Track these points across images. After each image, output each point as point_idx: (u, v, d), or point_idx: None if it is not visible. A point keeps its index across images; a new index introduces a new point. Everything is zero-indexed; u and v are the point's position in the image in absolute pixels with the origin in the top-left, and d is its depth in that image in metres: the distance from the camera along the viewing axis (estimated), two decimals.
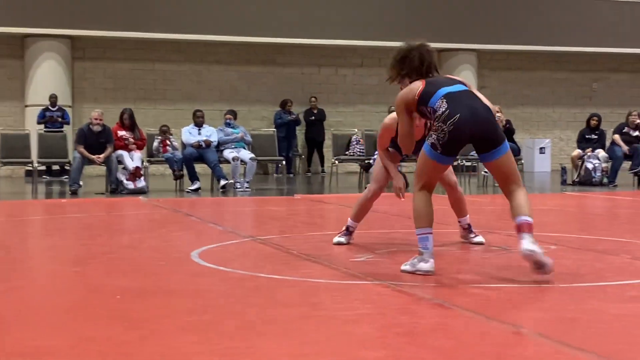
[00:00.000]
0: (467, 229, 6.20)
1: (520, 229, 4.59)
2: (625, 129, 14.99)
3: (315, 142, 19.41)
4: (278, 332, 3.41)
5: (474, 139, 4.72)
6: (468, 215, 6.20)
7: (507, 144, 4.78)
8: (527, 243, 4.49)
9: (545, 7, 20.63)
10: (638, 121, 14.98)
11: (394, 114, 5.70)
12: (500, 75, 21.43)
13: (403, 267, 4.85)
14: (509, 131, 14.19)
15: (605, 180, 14.44)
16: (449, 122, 4.65)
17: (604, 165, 14.58)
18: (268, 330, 3.45)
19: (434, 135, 4.73)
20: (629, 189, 14.04)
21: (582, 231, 7.37)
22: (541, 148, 20.58)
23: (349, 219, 6.22)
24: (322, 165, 19.48)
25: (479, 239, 6.12)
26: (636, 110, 15.61)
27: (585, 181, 14.46)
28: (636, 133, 14.92)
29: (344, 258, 5.47)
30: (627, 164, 14.88)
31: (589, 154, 14.66)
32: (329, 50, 20.09)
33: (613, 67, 22.21)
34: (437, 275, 4.80)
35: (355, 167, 17.02)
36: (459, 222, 6.22)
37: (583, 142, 15.06)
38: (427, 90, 4.82)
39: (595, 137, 15.03)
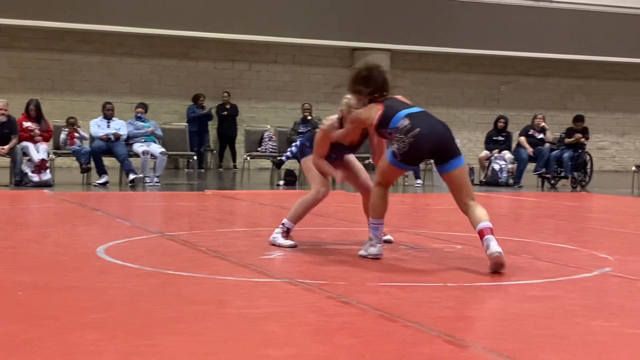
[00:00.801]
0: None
1: (484, 232, 4.99)
2: (531, 132, 15.40)
3: (227, 137, 19.32)
4: (184, 330, 3.40)
5: (433, 151, 5.16)
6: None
7: (462, 158, 5.24)
8: (495, 245, 4.91)
9: (459, 10, 21.01)
10: (543, 124, 15.42)
11: (332, 117, 5.85)
12: (413, 76, 21.73)
13: (359, 253, 5.43)
14: None
15: (511, 181, 14.82)
16: (409, 135, 5.09)
17: (509, 166, 14.97)
18: (174, 328, 3.43)
19: (395, 145, 5.20)
20: (533, 190, 14.43)
21: None
22: None
23: (286, 220, 5.94)
24: (234, 161, 19.41)
25: (388, 237, 6.21)
26: (541, 114, 16.08)
27: (492, 182, 14.82)
28: (541, 135, 15.36)
29: (253, 255, 5.48)
30: (532, 166, 15.29)
31: (495, 155, 15.02)
32: (243, 45, 20.02)
33: (521, 70, 22.77)
34: (345, 274, 4.86)
35: (267, 163, 17.03)
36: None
37: (490, 143, 15.42)
38: (387, 114, 5.27)
39: (502, 138, 15.41)
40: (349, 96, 5.72)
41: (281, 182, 13.79)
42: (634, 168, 14.45)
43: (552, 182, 15.30)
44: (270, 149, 14.74)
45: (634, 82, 23.85)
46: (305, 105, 14.71)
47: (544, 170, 15.08)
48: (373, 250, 5.38)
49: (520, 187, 14.62)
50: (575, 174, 15.11)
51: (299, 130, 14.17)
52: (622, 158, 23.91)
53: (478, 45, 21.23)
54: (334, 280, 4.63)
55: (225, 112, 19.17)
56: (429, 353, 3.11)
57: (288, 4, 19.60)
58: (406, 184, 14.89)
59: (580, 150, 15.13)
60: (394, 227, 6.99)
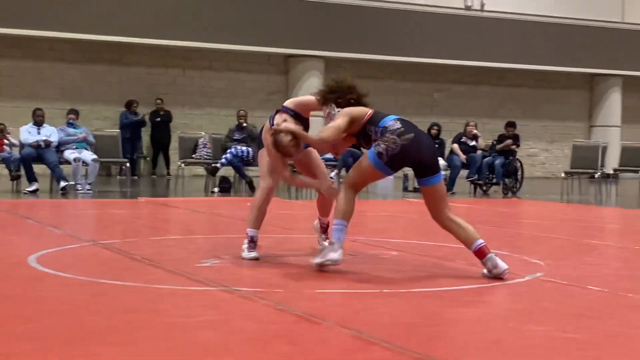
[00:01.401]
0: (324, 229, 6.22)
1: (485, 252, 5.02)
2: (463, 139, 15.61)
3: (160, 144, 19.15)
4: (120, 340, 3.36)
5: (419, 162, 5.08)
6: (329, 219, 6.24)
7: (442, 173, 5.23)
8: (502, 262, 4.96)
9: (393, 18, 21.21)
10: (475, 131, 15.64)
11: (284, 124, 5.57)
12: None
13: (315, 261, 5.13)
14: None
15: None
16: (402, 137, 5.00)
17: (443, 173, 15.12)
18: (110, 338, 3.38)
19: (382, 145, 5.02)
20: (465, 196, 14.63)
21: (422, 237, 7.63)
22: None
23: (248, 229, 5.83)
24: (168, 168, 19.24)
25: (327, 244, 6.20)
26: (473, 121, 16.31)
27: None
28: (473, 143, 15.57)
29: (189, 263, 5.44)
30: (464, 172, 15.51)
31: None
32: (176, 51, 19.88)
33: (454, 78, 23.09)
34: (282, 281, 4.86)
35: (201, 170, 16.92)
36: (320, 219, 6.21)
37: None
38: (376, 114, 5.22)
39: (436, 146, 15.59)
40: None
41: (216, 189, 13.72)
42: (562, 174, 14.76)
43: (484, 188, 15.53)
44: (205, 156, 14.66)
45: (563, 90, 24.40)
46: (241, 111, 14.66)
47: (476, 176, 15.30)
48: (333, 255, 5.04)
49: (453, 193, 14.80)
50: (507, 180, 15.38)
51: (234, 137, 14.12)
52: (552, 165, 24.43)
53: (412, 53, 21.46)
54: (271, 287, 4.62)
55: (159, 119, 19.00)
56: None
57: (222, 10, 19.53)
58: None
59: (511, 157, 15.41)
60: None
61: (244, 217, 8.94)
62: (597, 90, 24.50)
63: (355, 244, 6.67)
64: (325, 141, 5.21)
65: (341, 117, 5.23)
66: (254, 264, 5.55)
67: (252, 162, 14.00)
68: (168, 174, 19.13)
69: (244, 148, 13.88)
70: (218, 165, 13.83)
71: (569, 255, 6.49)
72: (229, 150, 13.79)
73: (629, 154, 15.91)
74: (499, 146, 15.50)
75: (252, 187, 13.66)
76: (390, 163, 5.02)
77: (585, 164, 14.68)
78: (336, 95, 5.40)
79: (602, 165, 14.73)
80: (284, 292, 4.51)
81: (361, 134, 5.22)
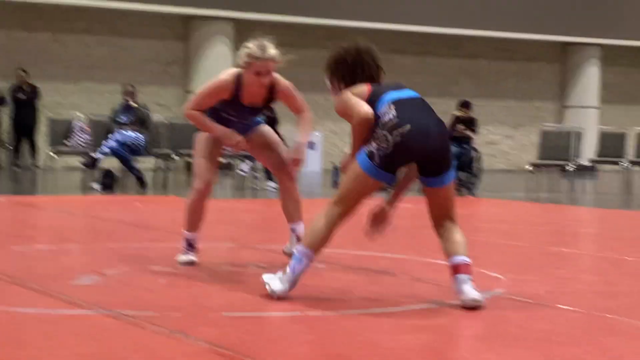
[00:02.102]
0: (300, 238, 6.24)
1: (458, 270, 4.81)
2: None
3: (25, 127, 18.85)
4: None
5: (423, 158, 4.83)
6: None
7: (453, 171, 4.93)
8: (471, 290, 4.76)
9: None
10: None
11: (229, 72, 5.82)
12: None
13: (264, 278, 4.93)
14: (272, 121, 14.52)
15: None
16: (394, 132, 4.73)
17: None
18: None
19: (373, 144, 4.78)
20: (410, 193, 14.67)
21: (355, 246, 7.66)
22: (310, 143, 21.19)
23: (183, 231, 6.12)
24: (34, 158, 18.98)
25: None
26: None
27: None
28: None
29: (61, 281, 5.39)
30: None
31: None
32: (45, 10, 19.59)
33: (396, 48, 23.23)
34: (179, 302, 4.84)
35: (77, 161, 16.72)
36: (292, 230, 6.38)
37: None
38: (374, 93, 4.95)
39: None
40: (249, 44, 5.69)
41: (96, 186, 13.57)
42: (529, 167, 15.04)
43: None
44: (82, 143, 14.47)
45: (529, 63, 24.84)
46: (128, 87, 14.53)
47: None
48: (276, 286, 4.86)
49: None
50: (461, 174, 15.58)
51: (119, 121, 13.98)
52: (516, 154, 24.85)
53: (342, 15, 21.57)
54: (165, 310, 4.61)
55: (22, 96, 18.69)
56: None
57: None
58: (257, 187, 14.94)
59: (465, 146, 15.60)
60: (241, 243, 7.00)
61: (133, 221, 8.89)
62: (571, 62, 25.02)
63: (273, 254, 6.68)
64: (362, 122, 4.89)
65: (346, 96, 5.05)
66: (148, 282, 5.51)
67: (142, 151, 13.91)
68: (35, 165, 18.86)
69: (132, 134, 13.76)
70: (99, 156, 13.68)
71: (536, 267, 6.61)
72: (112, 137, 13.66)
73: (608, 142, 16.30)
74: (451, 131, 15.67)
75: (142, 183, 13.56)
76: (383, 165, 4.77)
77: (556, 154, 14.99)
78: (340, 70, 5.24)
79: (577, 156, 15.07)
80: (182, 316, 4.50)
81: None
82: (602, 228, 10.18)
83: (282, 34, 23.67)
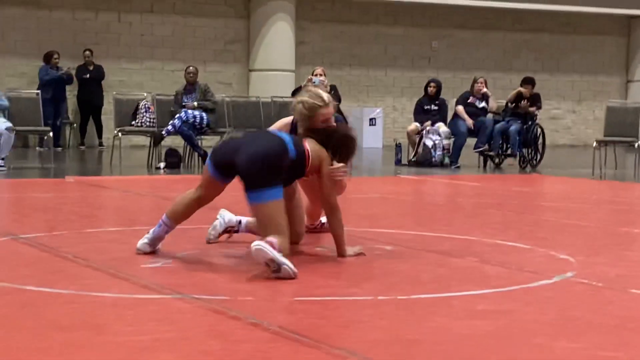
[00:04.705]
0: (310, 229, 6.63)
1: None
2: (471, 99, 15.66)
3: (91, 107, 19.03)
4: None
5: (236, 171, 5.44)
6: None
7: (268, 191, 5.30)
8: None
9: None
10: (484, 90, 15.68)
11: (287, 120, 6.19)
12: (325, 29, 21.80)
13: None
14: (335, 99, 14.50)
15: (446, 160, 15.07)
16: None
17: (445, 142, 15.20)
18: None
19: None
20: (473, 171, 14.73)
21: (421, 226, 7.68)
22: (371, 119, 21.17)
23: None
24: (100, 138, 19.17)
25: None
26: (482, 77, 16.34)
27: (424, 161, 15.03)
28: (482, 104, 15.63)
29: (133, 264, 5.46)
30: (472, 141, 15.58)
31: (428, 128, 15.22)
32: None
33: (457, 23, 23.11)
34: (251, 286, 4.88)
35: (143, 140, 16.88)
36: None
37: (421, 113, 15.61)
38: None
39: (436, 108, 15.61)
40: (303, 98, 5.84)
41: (161, 165, 13.70)
42: (594, 143, 14.87)
43: (497, 161, 15.63)
44: (148, 122, 14.59)
45: (592, 36, 24.51)
46: (190, 68, 14.61)
47: (486, 146, 15.38)
48: (140, 244, 5.75)
49: (458, 167, 14.89)
50: (525, 150, 15.49)
51: (183, 103, 14.06)
52: (580, 130, 24.59)
53: None
54: (238, 295, 4.66)
55: (88, 75, 18.87)
56: None
57: None
58: None
59: (530, 122, 15.50)
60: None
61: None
62: (637, 36, 24.64)
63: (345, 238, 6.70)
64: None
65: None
66: (217, 264, 5.57)
67: (206, 129, 14.00)
68: (100, 144, 19.05)
69: (196, 113, 13.85)
70: (164, 132, 13.80)
71: (605, 248, 6.56)
72: (177, 115, 13.77)
73: None
74: (515, 109, 15.51)
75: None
76: (215, 162, 5.53)
77: (622, 130, 14.77)
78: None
79: None
80: (254, 301, 4.54)
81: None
82: None
83: (343, 11, 23.77)
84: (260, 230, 5.37)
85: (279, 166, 5.40)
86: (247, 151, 5.34)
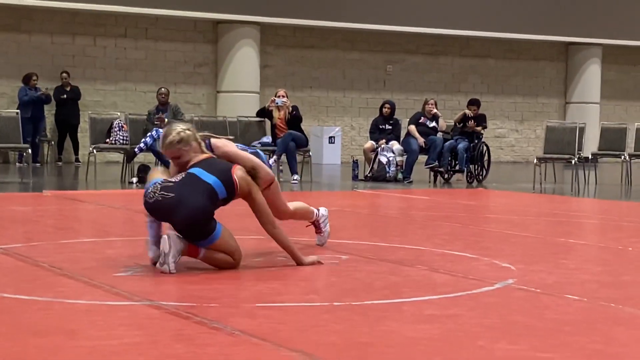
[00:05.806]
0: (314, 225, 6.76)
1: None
2: (422, 119, 15.72)
3: (68, 125, 18.93)
4: None
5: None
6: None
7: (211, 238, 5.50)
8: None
9: None
10: (435, 111, 15.75)
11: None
12: (287, 54, 21.83)
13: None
14: (296, 118, 14.54)
15: (400, 175, 15.12)
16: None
17: (398, 159, 15.26)
18: None
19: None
20: (424, 186, 14.79)
21: (375, 237, 7.70)
22: (330, 137, 21.20)
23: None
24: (77, 154, 19.06)
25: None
26: (432, 98, 16.43)
27: (379, 176, 15.08)
28: (433, 124, 15.70)
29: (106, 273, 5.42)
30: (423, 158, 15.65)
31: (382, 146, 15.28)
32: (85, 16, 19.64)
33: (409, 49, 23.22)
34: (216, 293, 4.87)
35: (117, 156, 16.80)
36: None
37: (376, 132, 15.67)
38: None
39: (390, 127, 15.67)
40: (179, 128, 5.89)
41: (134, 180, 13.64)
42: (535, 160, 14.99)
43: (446, 176, 15.71)
44: (121, 140, 14.53)
45: (533, 62, 24.74)
46: (161, 89, 14.58)
47: (436, 163, 15.44)
48: (150, 254, 5.64)
49: (410, 182, 14.95)
50: (472, 167, 15.58)
51: (154, 119, 14.03)
52: (522, 147, 24.78)
53: (361, 19, 21.53)
54: (203, 301, 4.64)
55: (65, 96, 18.77)
56: None
57: None
58: (281, 179, 14.97)
59: (476, 141, 15.60)
60: (264, 235, 7.02)
61: None
62: (573, 61, 24.89)
63: (297, 246, 6.70)
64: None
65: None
66: (184, 273, 5.55)
67: None
68: (77, 160, 18.94)
69: None
70: (136, 149, 13.73)
71: (543, 257, 6.61)
72: (149, 134, 13.71)
73: (609, 136, 16.21)
74: (462, 127, 15.62)
75: None
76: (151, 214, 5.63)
77: (560, 147, 14.92)
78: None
79: (580, 149, 15.01)
80: (218, 307, 4.53)
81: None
82: (604, 219, 10.16)
83: (304, 37, 23.80)
84: (219, 259, 5.58)
85: (212, 213, 5.53)
86: (181, 213, 5.39)
